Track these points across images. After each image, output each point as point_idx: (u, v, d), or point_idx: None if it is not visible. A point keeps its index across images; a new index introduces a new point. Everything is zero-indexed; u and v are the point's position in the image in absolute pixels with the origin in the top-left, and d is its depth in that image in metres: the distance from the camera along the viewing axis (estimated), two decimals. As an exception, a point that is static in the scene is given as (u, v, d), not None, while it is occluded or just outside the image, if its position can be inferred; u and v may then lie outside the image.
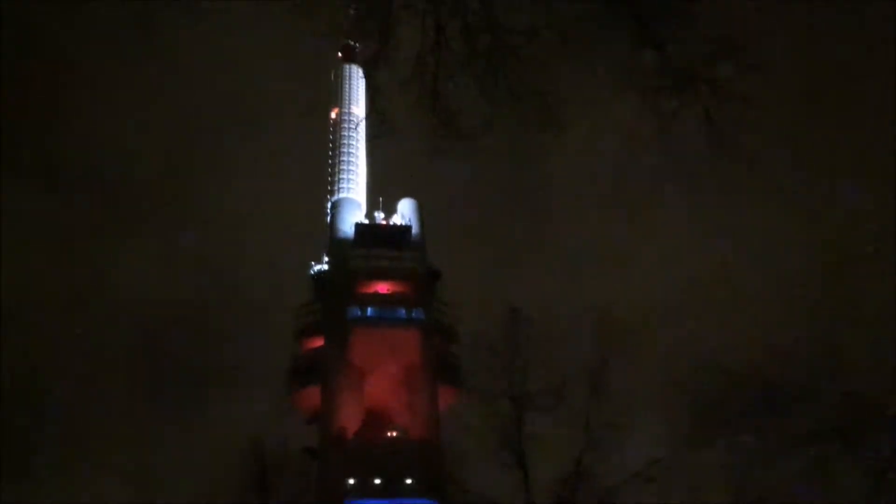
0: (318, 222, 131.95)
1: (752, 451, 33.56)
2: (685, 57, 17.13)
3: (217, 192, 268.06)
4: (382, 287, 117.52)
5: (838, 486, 32.23)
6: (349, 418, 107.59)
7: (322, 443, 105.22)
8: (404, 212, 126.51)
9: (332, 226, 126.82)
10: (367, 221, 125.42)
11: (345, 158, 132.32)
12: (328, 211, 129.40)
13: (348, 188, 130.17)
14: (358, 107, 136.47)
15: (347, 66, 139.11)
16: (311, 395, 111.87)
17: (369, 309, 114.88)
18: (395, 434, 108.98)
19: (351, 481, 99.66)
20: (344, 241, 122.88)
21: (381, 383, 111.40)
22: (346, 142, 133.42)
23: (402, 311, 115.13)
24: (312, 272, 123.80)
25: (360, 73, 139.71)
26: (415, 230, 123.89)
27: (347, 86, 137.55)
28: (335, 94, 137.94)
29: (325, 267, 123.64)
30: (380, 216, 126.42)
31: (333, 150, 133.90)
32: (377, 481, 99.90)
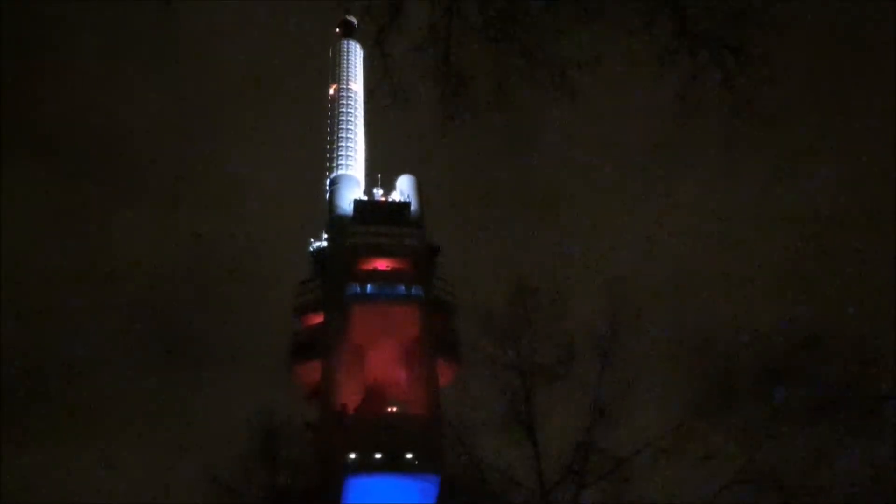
0: (317, 199, 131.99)
1: (761, 425, 33.84)
2: (705, 19, 17.08)
3: (215, 168, 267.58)
4: (382, 264, 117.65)
5: (845, 466, 32.61)
6: (349, 394, 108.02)
7: (323, 418, 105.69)
8: (403, 188, 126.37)
9: (331, 203, 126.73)
10: (365, 198, 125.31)
11: (343, 135, 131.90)
12: (327, 188, 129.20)
13: (347, 165, 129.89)
14: (356, 83, 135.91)
15: (346, 42, 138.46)
16: (312, 372, 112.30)
17: (369, 286, 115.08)
18: (395, 409, 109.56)
19: (352, 456, 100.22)
20: (343, 218, 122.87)
21: (381, 359, 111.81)
22: (344, 118, 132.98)
23: (402, 288, 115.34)
24: (311, 249, 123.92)
25: (359, 49, 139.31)
26: (414, 206, 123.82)
27: (346, 62, 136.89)
28: (333, 71, 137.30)
29: (325, 244, 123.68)
30: (379, 193, 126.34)
31: (332, 126, 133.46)
32: (378, 456, 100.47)
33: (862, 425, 32.33)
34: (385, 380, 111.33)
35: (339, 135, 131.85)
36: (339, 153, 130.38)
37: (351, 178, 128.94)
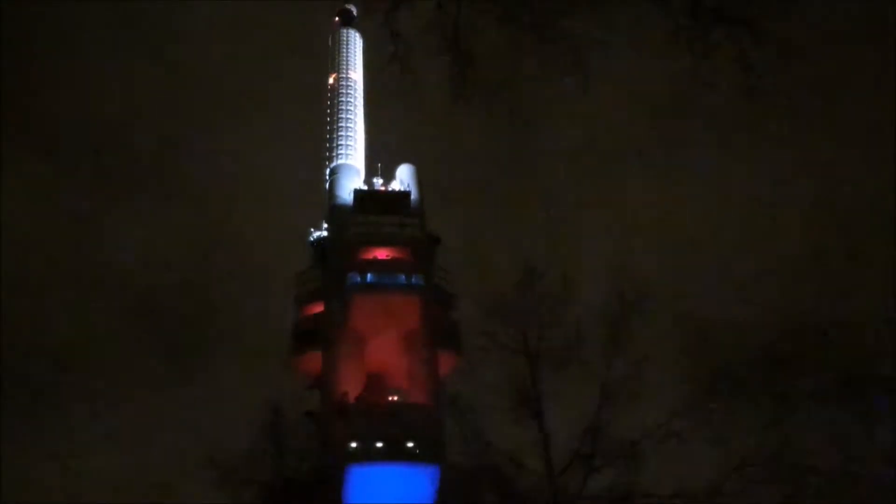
0: (316, 189, 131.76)
1: (769, 407, 33.86)
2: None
3: (214, 158, 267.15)
4: (382, 253, 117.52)
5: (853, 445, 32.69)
6: (350, 383, 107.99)
7: (324, 407, 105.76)
8: (403, 178, 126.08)
9: (331, 192, 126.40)
10: (365, 188, 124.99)
11: (343, 125, 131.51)
12: (327, 177, 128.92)
13: (346, 154, 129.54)
14: (356, 72, 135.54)
15: (345, 31, 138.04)
16: (313, 361, 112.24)
17: (369, 275, 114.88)
18: (396, 399, 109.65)
19: (353, 445, 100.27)
20: (343, 208, 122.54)
21: (382, 348, 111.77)
22: (344, 108, 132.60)
23: (402, 278, 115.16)
24: (311, 239, 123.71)
25: (359, 38, 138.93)
26: (414, 196, 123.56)
27: (345, 51, 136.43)
28: (333, 60, 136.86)
29: (325, 233, 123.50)
30: (379, 182, 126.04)
31: (331, 116, 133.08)
32: (379, 445, 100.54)
33: (870, 410, 32.40)
34: (386, 369, 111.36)
35: (339, 124, 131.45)
36: (339, 143, 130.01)
37: (351, 168, 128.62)
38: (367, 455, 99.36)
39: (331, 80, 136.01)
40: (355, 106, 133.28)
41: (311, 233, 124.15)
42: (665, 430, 35.90)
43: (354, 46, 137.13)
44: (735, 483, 34.42)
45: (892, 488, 31.89)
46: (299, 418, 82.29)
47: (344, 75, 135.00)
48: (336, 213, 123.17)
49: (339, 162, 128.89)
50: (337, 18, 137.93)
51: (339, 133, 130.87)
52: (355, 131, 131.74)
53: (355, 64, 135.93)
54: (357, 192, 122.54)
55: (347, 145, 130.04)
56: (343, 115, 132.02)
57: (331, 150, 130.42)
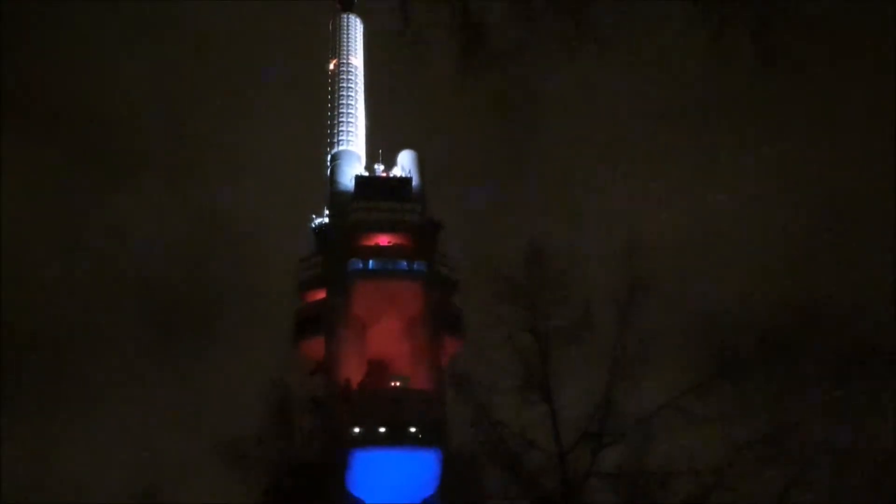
0: (318, 175, 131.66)
1: (776, 385, 34.01)
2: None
3: (215, 145, 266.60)
4: (383, 239, 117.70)
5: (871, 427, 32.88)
6: (353, 369, 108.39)
7: (327, 393, 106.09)
8: (404, 163, 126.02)
9: (333, 178, 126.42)
10: (367, 174, 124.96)
11: (343, 110, 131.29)
12: (328, 163, 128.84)
13: (348, 140, 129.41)
14: (357, 57, 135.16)
15: (345, 16, 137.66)
16: (316, 347, 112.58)
17: (371, 261, 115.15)
18: (398, 384, 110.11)
19: (356, 430, 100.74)
20: (344, 194, 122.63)
21: (384, 334, 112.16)
22: (345, 93, 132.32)
23: (404, 263, 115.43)
24: (314, 225, 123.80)
25: (359, 23, 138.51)
26: (415, 182, 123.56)
27: (345, 36, 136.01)
28: (333, 45, 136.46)
29: (326, 220, 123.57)
30: (380, 168, 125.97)
31: (332, 102, 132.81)
32: (382, 430, 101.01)
33: (879, 388, 32.61)
34: (388, 354, 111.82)
35: (340, 110, 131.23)
36: (340, 129, 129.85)
37: (352, 154, 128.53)
38: (370, 440, 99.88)
39: (331, 66, 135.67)
40: (356, 91, 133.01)
41: (312, 219, 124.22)
42: (673, 407, 36.04)
43: (355, 31, 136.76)
44: (744, 460, 34.62)
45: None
46: (304, 403, 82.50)
47: (344, 61, 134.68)
48: (337, 199, 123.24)
49: (341, 148, 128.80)
50: (338, 4, 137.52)
51: (340, 119, 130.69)
52: (356, 117, 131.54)
53: (356, 49, 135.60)
54: (358, 179, 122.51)
55: (348, 131, 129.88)
56: (344, 101, 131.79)
57: (332, 136, 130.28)
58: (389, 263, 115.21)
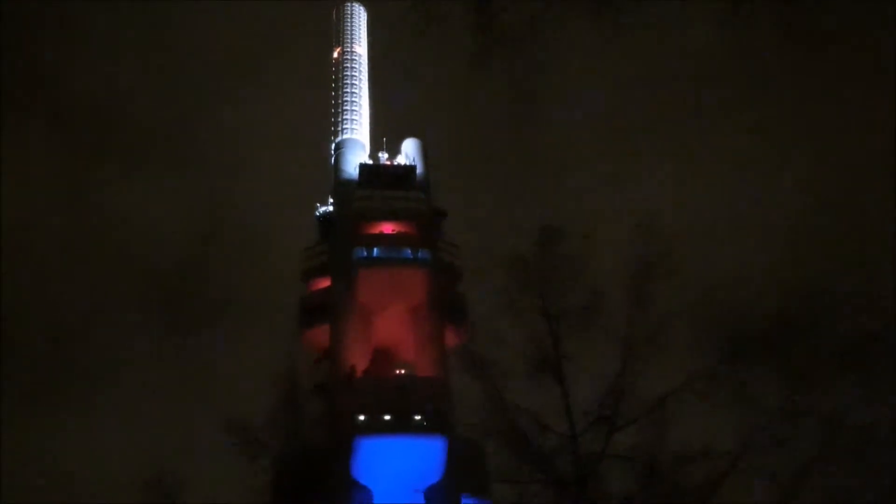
0: (322, 164, 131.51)
1: (793, 367, 33.98)
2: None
3: (219, 133, 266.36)
4: (388, 227, 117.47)
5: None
6: (358, 357, 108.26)
7: (332, 381, 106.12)
8: (409, 152, 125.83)
9: (336, 167, 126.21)
10: (371, 162, 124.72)
11: (347, 99, 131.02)
12: (332, 152, 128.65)
13: (352, 129, 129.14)
14: (361, 46, 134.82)
15: (349, 5, 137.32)
16: (320, 335, 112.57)
17: (375, 249, 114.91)
18: (403, 372, 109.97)
19: (361, 418, 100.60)
20: (348, 182, 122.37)
21: (389, 322, 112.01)
22: (349, 82, 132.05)
23: (408, 252, 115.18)
24: (318, 214, 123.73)
25: (363, 11, 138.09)
26: (419, 170, 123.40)
27: (349, 24, 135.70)
28: (337, 34, 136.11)
29: (331, 208, 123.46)
30: (384, 156, 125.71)
31: (336, 90, 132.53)
32: (387, 418, 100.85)
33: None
34: (393, 342, 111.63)
35: (344, 98, 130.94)
36: (344, 117, 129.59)
37: (356, 142, 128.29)
38: (374, 428, 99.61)
39: (335, 55, 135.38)
40: (360, 80, 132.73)
41: (317, 208, 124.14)
42: (688, 389, 36.01)
43: (359, 20, 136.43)
44: (762, 441, 34.63)
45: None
46: (310, 390, 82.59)
47: (348, 49, 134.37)
48: (341, 187, 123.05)
49: (344, 136, 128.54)
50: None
51: (344, 108, 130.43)
52: (360, 105, 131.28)
53: (360, 38, 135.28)
54: (362, 167, 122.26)
55: (352, 120, 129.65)
56: (348, 90, 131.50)
57: (335, 124, 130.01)
58: (394, 251, 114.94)
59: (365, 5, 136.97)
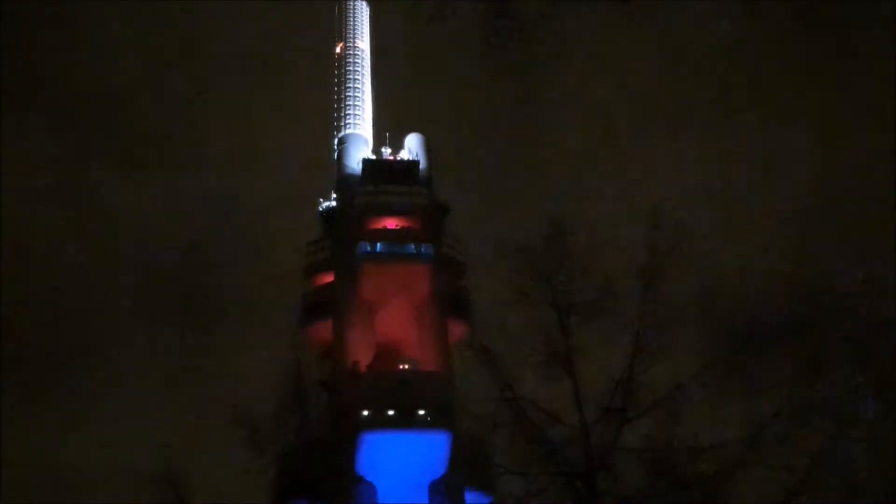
0: (325, 159, 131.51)
1: (804, 360, 33.88)
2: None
3: (221, 129, 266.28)
4: (391, 222, 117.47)
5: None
6: (361, 352, 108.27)
7: (335, 376, 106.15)
8: (411, 146, 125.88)
9: (339, 162, 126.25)
10: (374, 157, 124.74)
11: (350, 94, 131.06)
12: (335, 147, 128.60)
13: (355, 124, 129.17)
14: (363, 41, 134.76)
15: (351, 0, 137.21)
16: (324, 331, 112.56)
17: (378, 244, 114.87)
18: (406, 367, 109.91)
19: (365, 413, 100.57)
20: (351, 178, 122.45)
21: (392, 317, 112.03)
22: (351, 77, 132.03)
23: (412, 247, 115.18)
24: (321, 209, 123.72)
25: (365, 6, 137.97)
26: (422, 165, 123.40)
27: (352, 20, 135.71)
28: (339, 29, 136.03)
29: (334, 204, 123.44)
30: (387, 151, 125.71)
31: (339, 85, 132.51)
32: (390, 413, 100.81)
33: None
34: (396, 337, 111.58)
35: (347, 94, 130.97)
36: (347, 112, 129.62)
37: (359, 137, 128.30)
38: (378, 423, 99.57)
39: (337, 49, 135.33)
40: (363, 75, 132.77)
41: (320, 203, 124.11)
42: (699, 381, 35.92)
43: (361, 15, 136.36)
44: (775, 432, 34.53)
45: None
46: (315, 386, 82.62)
47: (351, 44, 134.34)
48: (344, 182, 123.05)
49: (347, 131, 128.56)
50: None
51: (347, 102, 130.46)
52: (363, 101, 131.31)
53: (362, 33, 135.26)
54: (365, 162, 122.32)
55: (355, 115, 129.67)
56: (350, 85, 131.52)
57: (338, 119, 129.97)
58: (397, 246, 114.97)
59: (367, 0, 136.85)
